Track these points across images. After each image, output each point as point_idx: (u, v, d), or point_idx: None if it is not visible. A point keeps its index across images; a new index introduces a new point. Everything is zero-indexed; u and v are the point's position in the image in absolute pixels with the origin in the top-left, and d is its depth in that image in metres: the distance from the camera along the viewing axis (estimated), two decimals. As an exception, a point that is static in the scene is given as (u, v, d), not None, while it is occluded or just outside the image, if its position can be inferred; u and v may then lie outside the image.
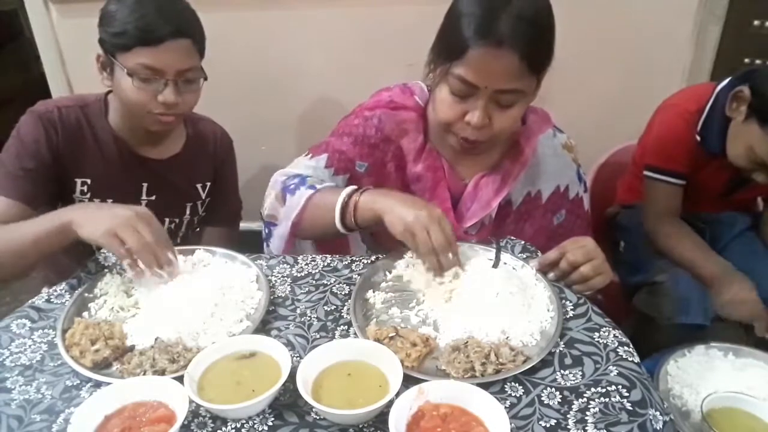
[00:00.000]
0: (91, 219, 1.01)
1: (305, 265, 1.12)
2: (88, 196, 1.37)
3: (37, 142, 1.29)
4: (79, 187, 1.36)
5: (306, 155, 1.26)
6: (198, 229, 1.58)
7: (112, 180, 1.38)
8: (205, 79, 1.31)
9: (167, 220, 1.47)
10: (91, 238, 1.00)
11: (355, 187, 1.11)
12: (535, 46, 1.02)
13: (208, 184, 1.52)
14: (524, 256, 1.11)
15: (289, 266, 1.11)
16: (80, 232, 1.01)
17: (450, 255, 0.99)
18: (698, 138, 1.46)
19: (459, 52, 1.02)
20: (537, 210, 1.24)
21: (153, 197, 1.43)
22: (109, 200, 1.38)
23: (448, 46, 1.06)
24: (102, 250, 1.15)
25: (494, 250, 1.08)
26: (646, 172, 1.53)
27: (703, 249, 1.45)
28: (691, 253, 1.45)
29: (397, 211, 1.00)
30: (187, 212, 1.50)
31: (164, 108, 1.25)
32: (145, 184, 1.42)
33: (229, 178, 1.59)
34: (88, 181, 1.36)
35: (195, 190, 1.50)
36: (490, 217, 1.22)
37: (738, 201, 1.59)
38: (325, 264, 1.12)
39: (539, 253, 1.11)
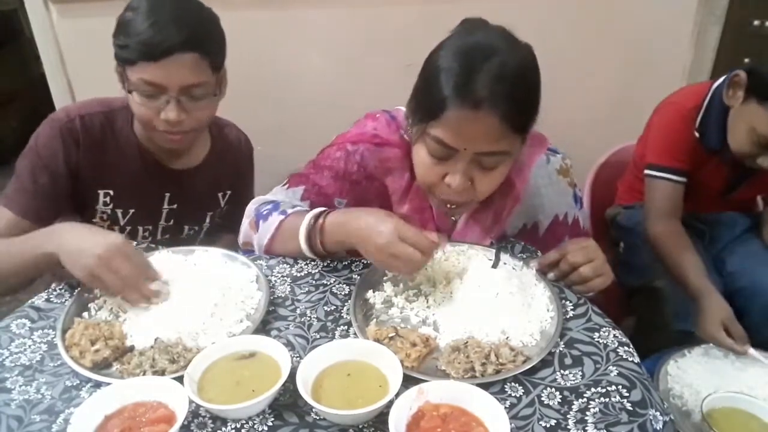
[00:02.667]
0: (72, 257, 0.98)
1: (305, 265, 1.12)
2: (111, 206, 1.34)
3: (54, 155, 1.25)
4: (101, 199, 1.33)
5: (283, 185, 1.22)
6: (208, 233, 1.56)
7: (136, 190, 1.34)
8: (215, 95, 1.25)
9: (186, 227, 1.45)
10: (75, 276, 0.99)
11: (320, 210, 1.06)
12: (516, 106, 0.95)
13: (228, 192, 1.49)
14: (524, 256, 1.11)
15: (288, 266, 1.11)
16: (65, 266, 0.99)
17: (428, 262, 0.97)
18: (697, 134, 1.46)
19: (436, 112, 0.96)
20: (535, 243, 1.19)
21: (174, 206, 1.41)
22: (131, 210, 1.36)
23: (425, 104, 1.00)
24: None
25: (494, 251, 1.07)
26: (646, 171, 1.52)
27: (695, 266, 1.42)
28: (682, 267, 1.42)
29: (362, 246, 0.98)
30: (207, 220, 1.48)
31: (168, 126, 1.20)
32: (167, 194, 1.39)
33: (249, 186, 1.56)
34: (111, 192, 1.33)
35: (215, 199, 1.47)
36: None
37: (738, 200, 1.59)
38: (325, 264, 1.12)
39: (539, 254, 1.11)
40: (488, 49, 0.95)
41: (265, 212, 1.13)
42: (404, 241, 0.93)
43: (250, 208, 1.19)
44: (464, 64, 0.94)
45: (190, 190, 1.41)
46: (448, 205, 1.07)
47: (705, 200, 1.57)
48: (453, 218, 1.20)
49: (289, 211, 1.11)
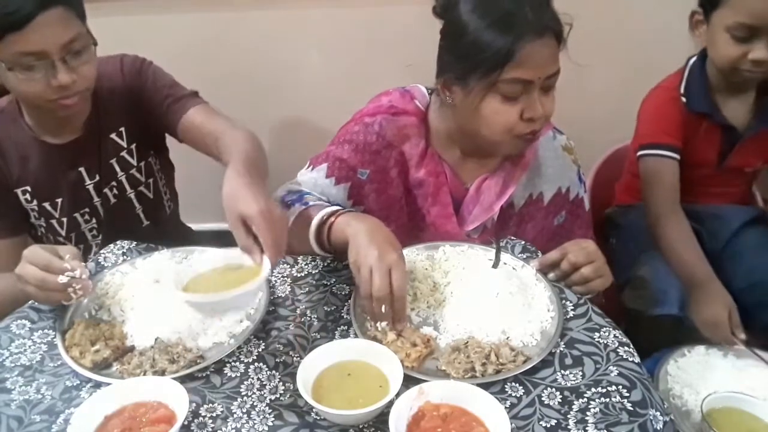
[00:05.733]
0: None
1: (305, 265, 1.12)
2: (35, 203, 1.30)
3: None
4: (22, 197, 1.29)
5: (307, 167, 1.24)
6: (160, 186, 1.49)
7: (50, 179, 1.30)
8: (95, 44, 1.17)
9: (109, 193, 1.37)
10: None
11: (337, 208, 1.07)
12: (558, 19, 1.05)
13: (123, 129, 1.34)
14: (524, 257, 1.10)
15: (289, 266, 1.11)
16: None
17: (383, 307, 0.90)
18: (683, 99, 1.49)
19: (506, 57, 1.01)
20: (539, 212, 1.24)
21: (96, 178, 1.34)
22: (58, 199, 1.31)
23: (486, 59, 1.03)
24: (102, 251, 1.16)
25: (494, 251, 1.07)
26: (639, 152, 1.53)
27: (697, 252, 1.43)
28: (684, 253, 1.43)
29: (358, 239, 0.95)
30: (117, 169, 1.36)
31: (62, 91, 1.12)
32: (81, 169, 1.31)
33: (155, 84, 1.34)
34: (28, 188, 1.29)
35: (112, 141, 1.34)
36: (492, 219, 1.22)
37: (734, 170, 1.56)
38: (325, 264, 1.12)
39: (539, 254, 1.11)
40: None
41: (289, 201, 1.15)
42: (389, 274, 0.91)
43: (277, 195, 1.20)
44: (507, 9, 1.02)
45: (95, 150, 1.32)
46: (529, 139, 1.10)
47: (701, 179, 1.55)
48: (465, 186, 1.23)
49: (311, 203, 1.13)
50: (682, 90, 1.50)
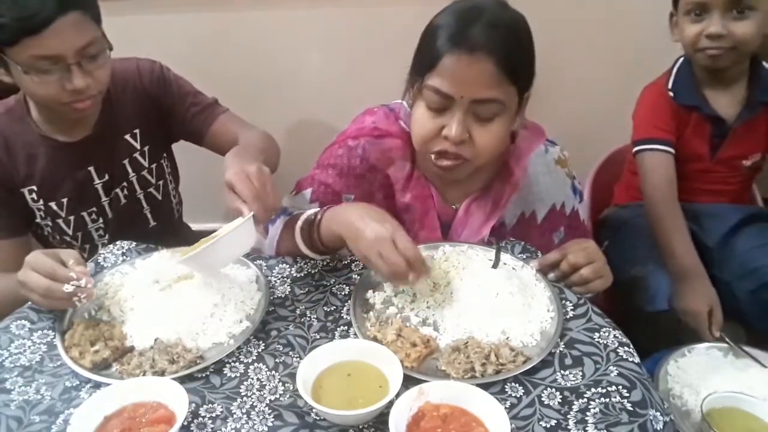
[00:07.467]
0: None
1: (305, 265, 1.12)
2: (41, 203, 1.29)
3: None
4: (28, 197, 1.29)
5: (292, 191, 1.24)
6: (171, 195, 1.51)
7: (57, 178, 1.29)
8: (111, 48, 1.18)
9: (120, 193, 1.37)
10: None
11: (317, 209, 1.07)
12: (510, 52, 0.98)
13: (137, 131, 1.35)
14: (524, 257, 1.10)
15: (288, 266, 1.11)
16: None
17: (410, 276, 0.92)
18: (671, 94, 1.53)
19: (432, 62, 0.99)
20: (532, 230, 1.21)
21: (105, 177, 1.33)
22: (65, 199, 1.31)
23: (422, 59, 1.03)
24: (101, 251, 1.16)
25: (494, 251, 1.07)
26: (635, 149, 1.55)
27: (688, 245, 1.45)
28: (675, 245, 1.45)
29: (350, 233, 0.96)
30: (129, 170, 1.37)
31: (76, 95, 1.13)
32: (91, 168, 1.32)
33: (179, 91, 1.39)
34: (34, 187, 1.28)
35: (125, 142, 1.35)
36: (482, 241, 1.18)
37: (727, 162, 1.57)
38: (325, 264, 1.12)
39: (539, 254, 1.11)
40: (483, 7, 1.00)
41: (273, 216, 1.13)
42: (396, 247, 0.91)
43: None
44: (460, 18, 1.00)
45: (107, 149, 1.32)
46: (445, 164, 1.06)
47: (699, 177, 1.57)
48: (454, 206, 1.20)
49: (295, 212, 1.12)
50: (670, 85, 1.54)
